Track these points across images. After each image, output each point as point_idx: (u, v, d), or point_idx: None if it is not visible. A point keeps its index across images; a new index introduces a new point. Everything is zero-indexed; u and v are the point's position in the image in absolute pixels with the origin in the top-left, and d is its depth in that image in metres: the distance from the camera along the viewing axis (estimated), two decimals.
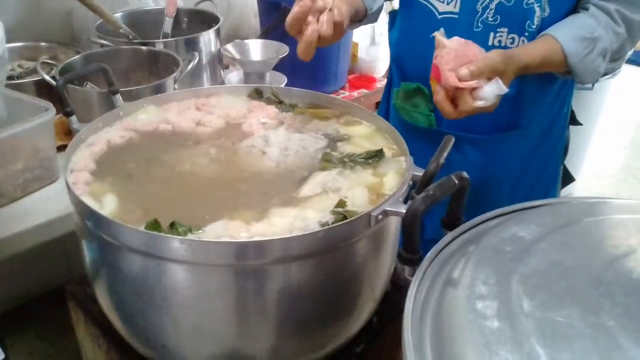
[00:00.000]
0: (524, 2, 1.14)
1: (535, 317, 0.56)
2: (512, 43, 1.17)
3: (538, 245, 0.67)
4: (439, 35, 1.02)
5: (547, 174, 1.39)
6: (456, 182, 0.74)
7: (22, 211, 1.20)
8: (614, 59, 1.18)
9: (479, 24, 1.18)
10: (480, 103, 0.99)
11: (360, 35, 2.13)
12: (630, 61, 3.85)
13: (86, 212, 0.84)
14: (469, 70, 0.98)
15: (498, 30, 1.17)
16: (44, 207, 1.22)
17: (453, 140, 0.91)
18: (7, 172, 1.18)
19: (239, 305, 0.84)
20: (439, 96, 1.01)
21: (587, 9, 1.15)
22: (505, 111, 1.20)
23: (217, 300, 0.83)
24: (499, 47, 1.17)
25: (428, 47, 1.06)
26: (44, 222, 1.19)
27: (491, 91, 0.98)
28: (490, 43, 1.18)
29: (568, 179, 1.47)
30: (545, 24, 1.15)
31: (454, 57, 1.00)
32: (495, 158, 1.29)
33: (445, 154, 0.88)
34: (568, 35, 1.12)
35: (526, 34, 1.16)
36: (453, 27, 1.14)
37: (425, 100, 1.27)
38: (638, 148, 3.72)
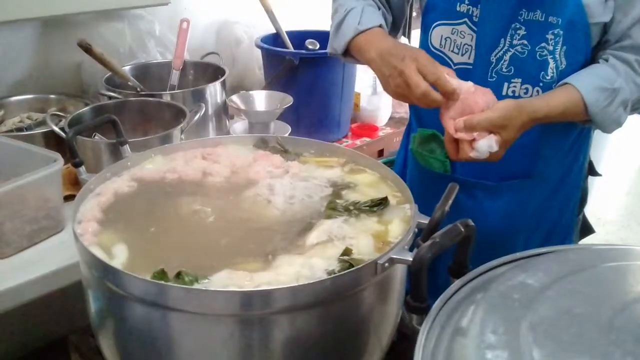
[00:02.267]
0: (537, 54, 1.16)
1: None
2: (525, 93, 1.19)
3: (546, 292, 0.66)
4: (450, 77, 1.05)
5: (563, 223, 1.37)
6: (462, 229, 0.74)
7: (28, 261, 1.20)
8: (635, 108, 1.19)
9: (493, 75, 1.21)
10: (473, 154, 1.03)
11: (362, 85, 2.17)
12: None
13: (93, 263, 0.84)
14: (463, 124, 1.02)
15: (512, 80, 1.19)
16: (49, 258, 1.21)
17: (457, 187, 0.92)
18: (14, 223, 1.19)
19: (244, 355, 0.83)
20: (445, 137, 1.06)
21: (606, 60, 1.17)
22: (520, 158, 1.22)
23: (223, 351, 0.82)
24: (513, 96, 1.19)
25: None
26: (48, 272, 1.19)
27: (484, 145, 1.02)
28: (504, 93, 1.20)
29: (588, 230, 1.45)
30: (563, 75, 1.17)
31: (458, 105, 1.03)
32: (509, 205, 1.29)
33: (450, 201, 0.88)
34: (589, 85, 1.13)
35: (541, 84, 1.17)
36: (468, 77, 1.14)
37: (441, 147, 1.28)
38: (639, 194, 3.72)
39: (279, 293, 0.78)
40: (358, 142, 2.08)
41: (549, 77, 1.17)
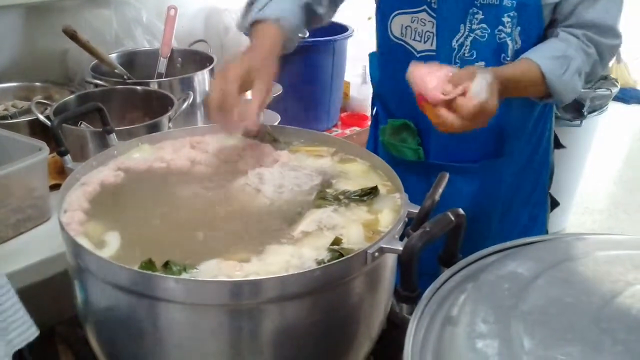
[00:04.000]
0: (497, 37, 1.20)
1: (536, 356, 0.56)
2: None
3: (536, 281, 0.66)
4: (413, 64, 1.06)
5: (535, 198, 1.42)
6: (453, 218, 0.74)
7: (13, 251, 1.18)
8: (588, 80, 1.23)
9: (457, 60, 1.23)
10: (477, 99, 0.98)
11: (351, 74, 2.16)
12: (617, 98, 3.93)
13: (79, 252, 0.83)
14: (449, 82, 1.00)
15: (475, 64, 1.21)
16: (35, 248, 1.20)
17: (447, 176, 0.91)
18: (0, 212, 1.17)
19: (234, 345, 0.82)
20: (442, 111, 1.00)
21: (557, 35, 1.21)
22: (488, 139, 1.26)
23: (212, 341, 0.82)
24: None
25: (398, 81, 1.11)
26: (34, 262, 1.17)
27: (479, 83, 0.99)
28: None
29: (553, 204, 1.49)
30: (519, 54, 1.20)
31: (429, 75, 1.02)
32: (483, 186, 1.32)
33: (441, 190, 0.88)
34: (543, 57, 1.16)
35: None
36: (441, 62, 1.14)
37: (413, 135, 1.32)
38: (627, 183, 3.75)
39: (269, 283, 0.78)
40: (348, 131, 2.08)
41: (509, 58, 1.21)
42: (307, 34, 1.95)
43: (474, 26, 1.20)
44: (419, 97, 1.03)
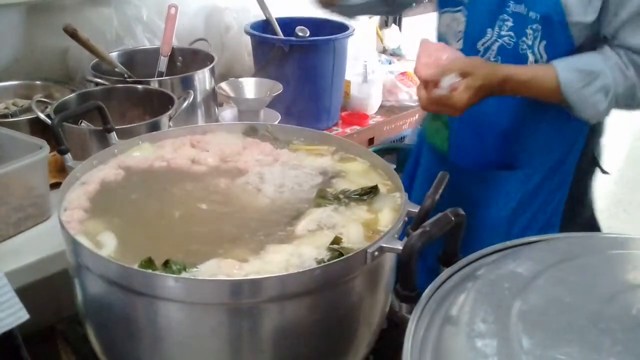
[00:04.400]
0: (519, 47, 1.20)
1: (535, 356, 0.56)
2: None
3: (536, 281, 0.66)
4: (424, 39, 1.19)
5: (543, 219, 1.36)
6: (452, 218, 0.74)
7: (14, 250, 1.19)
8: (628, 104, 1.19)
9: None
10: (437, 91, 1.11)
11: (352, 73, 2.16)
12: None
13: (79, 251, 0.83)
14: (435, 72, 1.11)
15: (491, 59, 1.23)
16: (35, 246, 1.20)
17: (448, 176, 0.91)
18: (0, 210, 1.17)
19: (233, 344, 0.82)
20: (419, 85, 1.14)
21: (599, 50, 1.18)
22: (502, 145, 1.27)
23: (212, 340, 0.82)
24: None
25: None
26: (35, 260, 1.17)
27: (446, 81, 1.11)
28: None
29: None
30: None
31: (428, 53, 1.15)
32: (494, 194, 1.32)
33: (441, 190, 0.88)
34: (566, 66, 1.15)
35: None
36: None
37: (445, 127, 1.37)
38: (628, 183, 3.75)
39: (269, 282, 0.78)
40: (348, 130, 2.08)
41: None
42: (308, 33, 1.95)
43: (502, 32, 1.21)
44: (414, 69, 1.16)
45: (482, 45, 1.23)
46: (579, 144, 1.33)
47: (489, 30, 1.22)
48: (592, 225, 1.47)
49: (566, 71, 1.14)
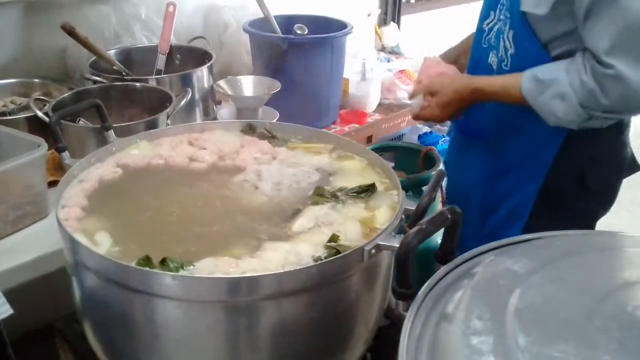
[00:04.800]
0: (501, 36, 1.29)
1: (531, 353, 0.56)
2: (496, 66, 1.32)
3: (532, 279, 0.66)
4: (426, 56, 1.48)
5: (512, 203, 1.39)
6: (449, 216, 0.74)
7: (12, 248, 1.19)
8: (590, 110, 1.16)
9: (486, 41, 1.37)
10: (410, 108, 1.44)
11: (350, 71, 2.16)
12: None
13: (77, 249, 0.83)
14: (411, 90, 1.40)
15: (493, 51, 1.33)
16: (33, 244, 1.20)
17: (445, 174, 0.92)
18: None
19: (231, 341, 0.82)
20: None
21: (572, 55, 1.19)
22: (483, 120, 1.39)
23: (209, 337, 0.82)
24: (490, 67, 1.35)
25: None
26: (33, 258, 1.17)
27: (413, 102, 1.41)
28: (488, 61, 1.36)
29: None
30: (514, 59, 1.27)
31: (422, 70, 1.45)
32: (470, 160, 1.49)
33: (438, 187, 0.88)
34: (529, 74, 1.20)
35: (497, 59, 1.32)
36: (477, 38, 1.40)
37: None
38: (628, 180, 3.74)
39: (266, 279, 0.78)
40: (346, 128, 2.08)
41: (499, 55, 1.31)
42: (307, 31, 1.95)
43: (501, 16, 1.29)
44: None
45: (487, 25, 1.35)
46: (551, 149, 1.30)
47: (492, 12, 1.32)
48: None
49: (528, 80, 1.20)
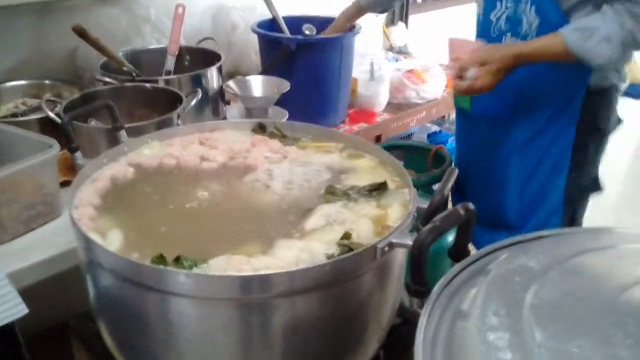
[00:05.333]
0: (517, 14, 1.48)
1: (548, 348, 0.56)
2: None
3: (548, 275, 0.66)
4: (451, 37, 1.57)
5: (550, 161, 1.57)
6: (462, 213, 0.74)
7: (25, 247, 1.19)
8: (629, 45, 1.36)
9: (495, 31, 1.54)
10: (464, 83, 1.44)
11: (359, 70, 2.16)
12: (627, 94, 3.90)
13: (91, 248, 0.84)
14: (458, 66, 1.44)
15: (506, 34, 1.51)
16: (46, 244, 1.21)
17: (456, 172, 0.92)
18: (11, 209, 1.18)
19: (244, 339, 0.83)
20: (452, 78, 1.48)
21: (599, 10, 1.37)
22: (507, 95, 1.53)
23: (223, 335, 0.82)
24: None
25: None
26: (45, 258, 1.18)
27: (470, 72, 1.43)
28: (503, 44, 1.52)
29: (596, 187, 1.65)
30: (540, 30, 1.44)
31: (453, 49, 1.52)
32: (500, 138, 1.61)
33: (449, 185, 0.88)
34: (569, 28, 1.36)
35: (519, 38, 1.49)
36: (484, 30, 1.57)
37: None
38: (637, 178, 3.73)
39: (279, 277, 0.78)
40: (355, 127, 2.08)
41: (523, 31, 1.48)
42: (315, 31, 1.95)
43: (508, 4, 1.49)
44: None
45: (494, 16, 1.53)
46: (582, 89, 1.51)
47: (498, 3, 1.51)
48: (595, 184, 1.64)
49: (569, 32, 1.35)
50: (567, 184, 1.57)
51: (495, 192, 1.64)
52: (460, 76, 1.44)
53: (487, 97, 1.50)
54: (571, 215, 1.62)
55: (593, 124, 1.55)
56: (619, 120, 1.66)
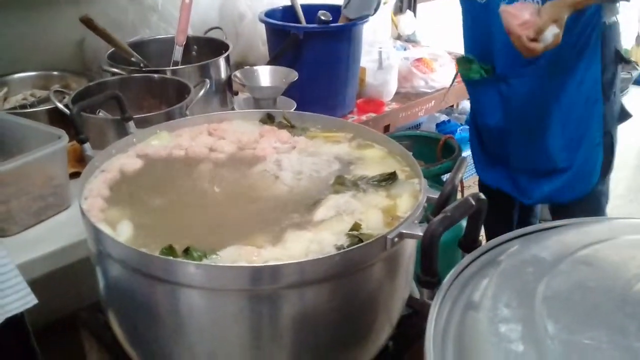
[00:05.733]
0: None
1: (561, 340, 0.55)
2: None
3: (559, 266, 0.66)
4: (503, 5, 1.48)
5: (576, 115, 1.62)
6: (474, 203, 0.73)
7: (35, 239, 1.20)
8: None
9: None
10: (543, 44, 1.41)
11: (367, 59, 2.14)
12: (638, 82, 3.86)
13: (101, 239, 0.84)
14: (536, 29, 1.39)
15: None
16: (55, 235, 1.21)
17: (466, 162, 0.91)
18: (21, 200, 1.18)
19: (253, 330, 0.83)
20: (519, 45, 1.42)
21: None
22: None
23: (232, 326, 0.82)
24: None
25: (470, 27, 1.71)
26: (55, 249, 1.19)
27: (548, 34, 1.41)
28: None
29: (625, 115, 1.70)
30: None
31: (513, 15, 1.44)
32: (533, 89, 1.62)
33: (460, 175, 0.87)
34: None
35: None
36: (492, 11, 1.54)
37: (474, 63, 1.71)
38: None
39: (288, 268, 0.78)
40: (364, 117, 2.07)
41: None
42: (331, 17, 1.93)
43: None
44: (507, 30, 1.43)
45: None
46: (599, 25, 1.56)
47: None
48: (624, 112, 1.70)
49: None
50: (603, 113, 1.62)
51: (538, 137, 1.67)
52: (533, 39, 1.41)
53: (513, 53, 1.51)
54: (610, 147, 1.67)
55: (615, 54, 1.61)
56: (628, 114, 1.69)
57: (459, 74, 1.86)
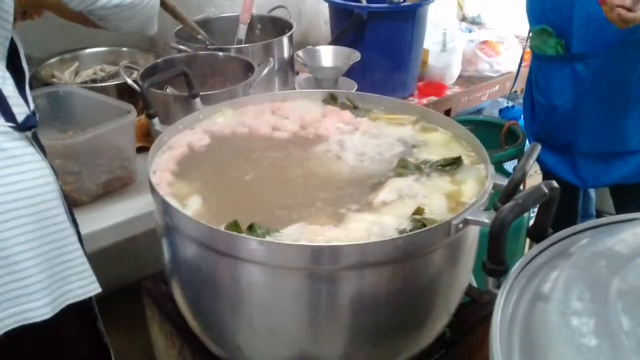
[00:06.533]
0: None
1: (636, 336, 0.53)
2: None
3: (636, 260, 0.63)
4: None
5: None
6: (546, 191, 0.71)
7: (102, 210, 1.24)
8: None
9: None
10: (635, 14, 1.30)
11: (430, 41, 2.09)
12: None
13: (169, 212, 0.86)
14: (630, 1, 1.29)
15: None
16: (122, 207, 1.26)
17: (539, 147, 0.88)
18: (90, 171, 1.23)
19: (312, 308, 0.83)
20: (612, 16, 1.33)
21: None
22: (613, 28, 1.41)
23: (292, 303, 0.83)
24: None
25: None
26: (121, 221, 1.23)
27: None
28: None
29: None
30: None
31: None
32: (609, 69, 1.55)
33: (532, 161, 0.84)
34: None
35: None
36: None
37: (552, 36, 1.62)
38: None
39: (350, 249, 0.78)
40: (424, 100, 2.03)
41: None
42: None
43: None
44: (600, 1, 1.35)
45: None
46: None
47: None
48: None
49: None
50: None
51: (614, 119, 1.60)
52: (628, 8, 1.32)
53: (588, 36, 1.50)
54: None
55: None
56: None
57: (527, 49, 1.76)
